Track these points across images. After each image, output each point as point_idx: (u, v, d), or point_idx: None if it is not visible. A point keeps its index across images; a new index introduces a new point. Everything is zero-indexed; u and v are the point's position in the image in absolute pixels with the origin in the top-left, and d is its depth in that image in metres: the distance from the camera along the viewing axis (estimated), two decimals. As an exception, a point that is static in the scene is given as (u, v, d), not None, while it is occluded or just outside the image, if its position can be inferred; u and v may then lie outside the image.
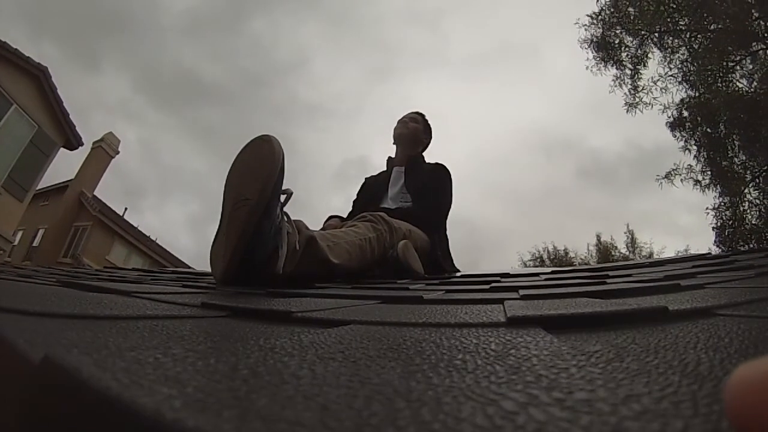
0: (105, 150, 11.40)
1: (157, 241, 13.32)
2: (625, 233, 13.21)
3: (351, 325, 0.37)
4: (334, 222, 1.75)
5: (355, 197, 1.99)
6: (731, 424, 0.13)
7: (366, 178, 2.04)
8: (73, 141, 9.20)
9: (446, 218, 1.82)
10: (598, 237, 13.51)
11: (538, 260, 14.05)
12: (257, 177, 0.90)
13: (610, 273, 1.16)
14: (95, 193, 11.28)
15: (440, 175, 1.86)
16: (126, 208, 12.72)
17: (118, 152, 11.88)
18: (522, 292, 0.64)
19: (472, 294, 0.69)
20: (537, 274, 1.44)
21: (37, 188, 9.16)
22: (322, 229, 1.63)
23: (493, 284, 0.89)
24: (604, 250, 13.15)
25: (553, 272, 1.52)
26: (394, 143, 2.00)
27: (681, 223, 18.23)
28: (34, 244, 10.72)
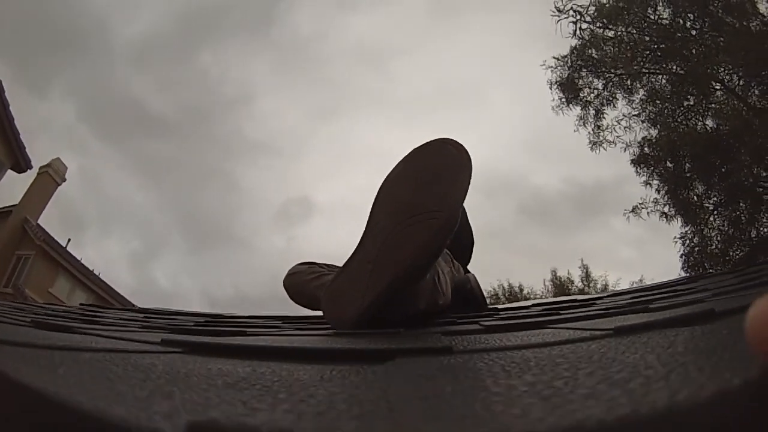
0: (51, 176, 10.71)
1: (100, 276, 12.49)
2: (579, 268, 13.59)
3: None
4: None
5: None
6: (755, 351, 0.14)
7: None
8: (22, 163, 8.60)
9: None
10: (554, 272, 13.84)
11: (494, 297, 14.21)
12: (448, 186, 0.73)
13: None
14: (39, 221, 10.50)
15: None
16: (69, 239, 11.87)
17: (65, 179, 11.20)
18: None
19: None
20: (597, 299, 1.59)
21: (-21, 212, 8.44)
22: None
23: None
24: (561, 285, 13.47)
25: (614, 294, 1.68)
26: None
27: (623, 256, 19.14)
28: (-28, 272, 9.75)
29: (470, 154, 0.75)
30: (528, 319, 0.86)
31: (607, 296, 1.66)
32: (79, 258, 11.76)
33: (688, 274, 6.07)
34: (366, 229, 0.78)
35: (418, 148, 0.78)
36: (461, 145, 0.76)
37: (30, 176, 10.06)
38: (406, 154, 0.79)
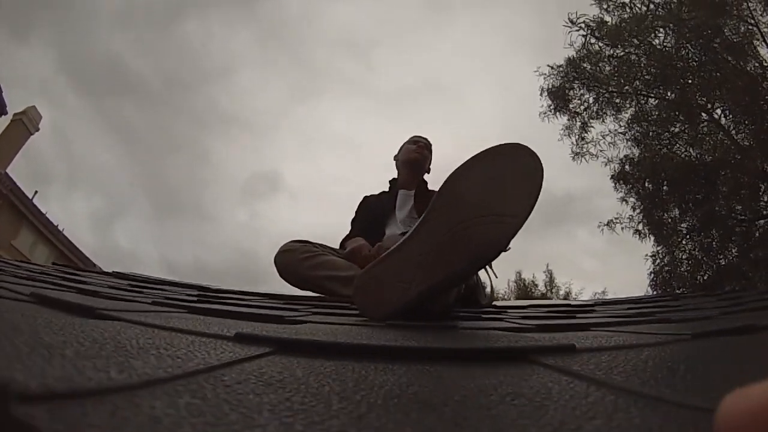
0: (25, 124, 10.30)
1: (64, 232, 12.12)
2: (544, 272, 13.77)
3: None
4: (363, 244, 1.54)
5: (353, 216, 1.89)
6: None
7: (365, 197, 1.95)
8: (-4, 107, 8.25)
9: None
10: (519, 274, 13.98)
11: (459, 293, 14.26)
12: (520, 192, 0.72)
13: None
14: (7, 170, 10.11)
15: None
16: (36, 192, 11.44)
17: (38, 129, 10.80)
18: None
19: None
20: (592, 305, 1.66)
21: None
22: (343, 249, 1.56)
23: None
24: (524, 288, 13.63)
25: (606, 303, 1.79)
26: (395, 160, 1.96)
27: (586, 266, 19.56)
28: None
29: (543, 164, 0.73)
30: (554, 321, 0.87)
31: (600, 305, 1.71)
32: (44, 212, 11.40)
33: (655, 291, 6.27)
34: (422, 220, 0.75)
35: (490, 148, 0.76)
36: (535, 152, 0.74)
37: (2, 123, 9.69)
38: (478, 152, 0.76)
